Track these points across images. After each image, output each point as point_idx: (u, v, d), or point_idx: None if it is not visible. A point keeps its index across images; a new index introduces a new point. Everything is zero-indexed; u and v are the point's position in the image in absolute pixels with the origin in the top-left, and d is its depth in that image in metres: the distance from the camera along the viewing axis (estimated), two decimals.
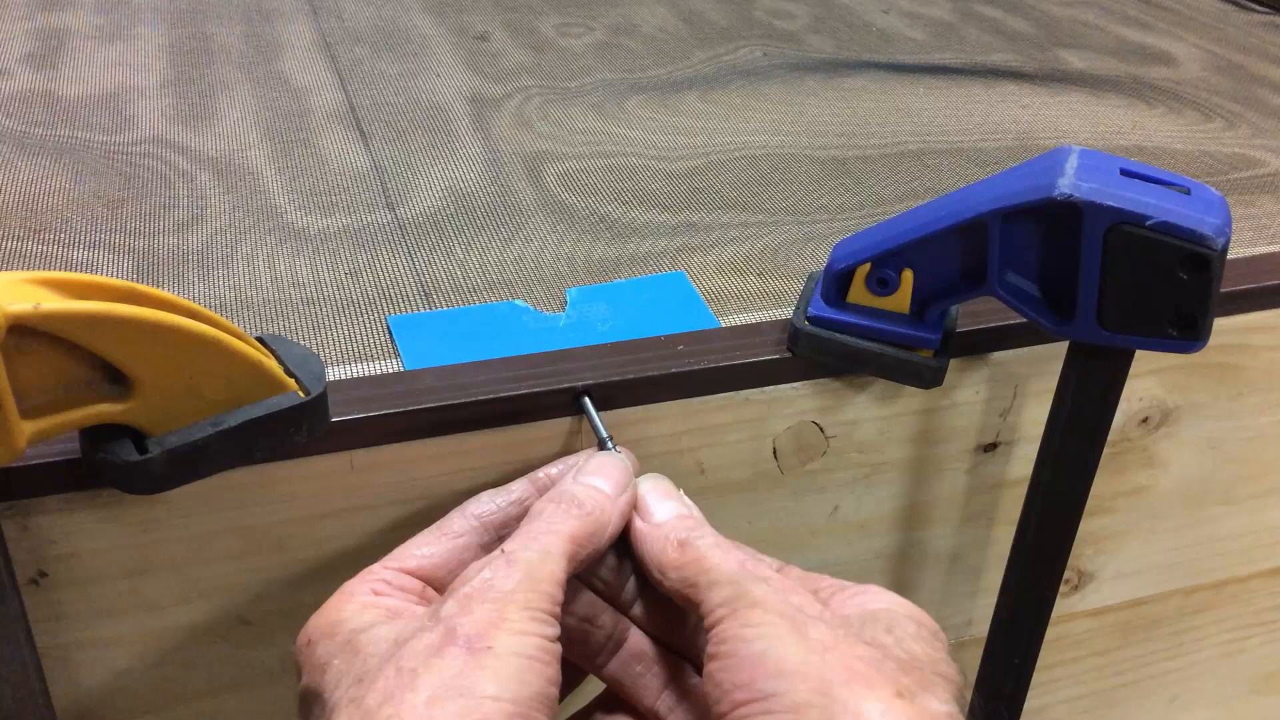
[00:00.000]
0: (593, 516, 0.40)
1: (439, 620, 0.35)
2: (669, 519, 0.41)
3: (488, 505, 0.42)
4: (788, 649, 0.34)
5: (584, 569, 0.40)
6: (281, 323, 0.57)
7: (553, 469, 0.45)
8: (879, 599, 0.39)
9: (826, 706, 0.33)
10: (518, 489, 0.43)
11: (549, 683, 0.34)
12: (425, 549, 0.40)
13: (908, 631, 0.37)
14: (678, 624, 0.43)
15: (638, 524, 0.42)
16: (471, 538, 0.41)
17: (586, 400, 0.47)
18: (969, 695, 0.39)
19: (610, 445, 0.45)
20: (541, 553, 0.38)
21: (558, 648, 0.36)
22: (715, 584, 0.37)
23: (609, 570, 0.43)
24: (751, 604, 0.36)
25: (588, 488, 0.41)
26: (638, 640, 0.42)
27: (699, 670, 0.41)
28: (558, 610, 0.37)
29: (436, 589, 0.40)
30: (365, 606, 0.38)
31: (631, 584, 0.43)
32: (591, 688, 0.46)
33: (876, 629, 0.37)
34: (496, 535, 0.41)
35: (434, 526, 0.42)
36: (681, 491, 0.44)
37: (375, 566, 0.40)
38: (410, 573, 0.40)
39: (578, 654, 0.42)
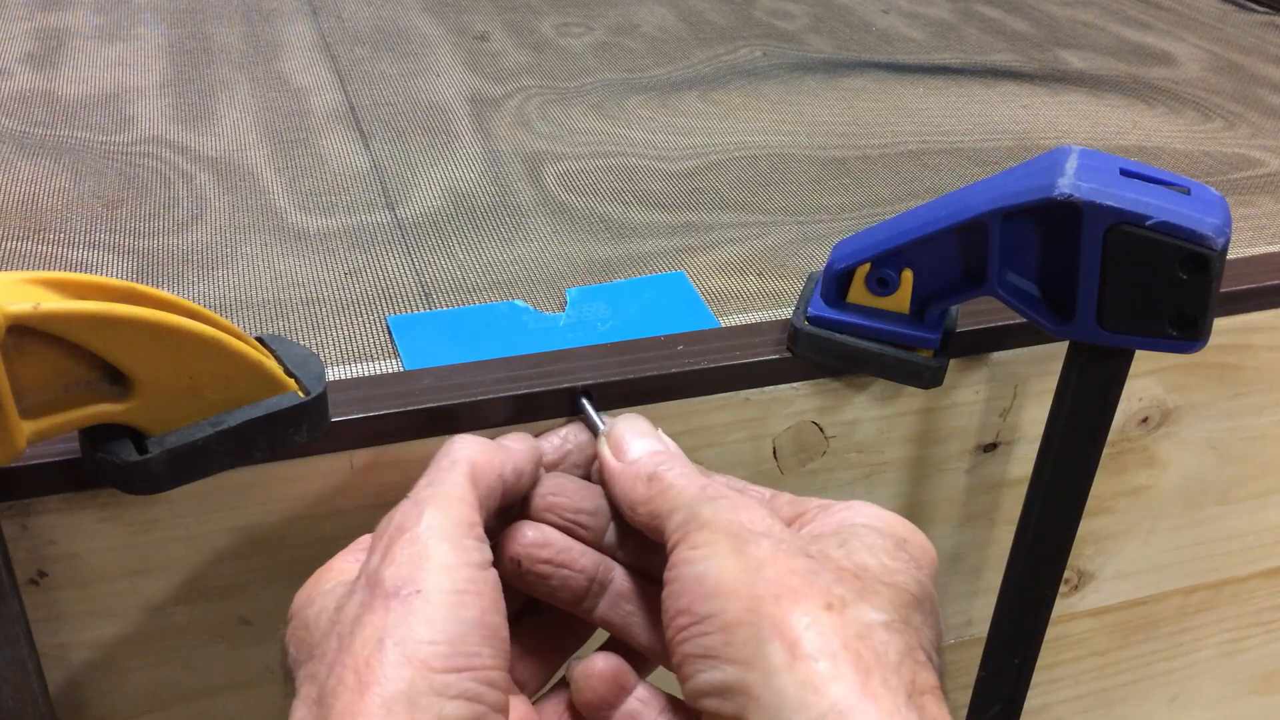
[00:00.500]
0: (486, 444, 0.40)
1: (365, 577, 0.35)
2: (641, 455, 0.41)
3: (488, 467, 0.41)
4: (724, 568, 0.34)
5: (508, 497, 0.40)
6: (281, 323, 0.57)
7: (544, 444, 0.45)
8: (859, 514, 0.38)
9: (755, 624, 0.32)
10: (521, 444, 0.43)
11: (487, 611, 0.34)
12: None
13: (865, 543, 0.36)
14: (659, 560, 0.42)
15: (611, 463, 0.41)
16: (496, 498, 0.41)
17: (585, 400, 0.47)
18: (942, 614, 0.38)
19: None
20: (443, 484, 0.37)
21: (491, 574, 0.35)
22: (674, 510, 0.37)
23: (588, 515, 0.42)
24: (699, 525, 0.35)
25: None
26: (623, 581, 0.42)
27: None
28: (480, 533, 0.36)
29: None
30: (334, 576, 0.38)
31: (613, 528, 0.42)
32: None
33: (830, 542, 0.36)
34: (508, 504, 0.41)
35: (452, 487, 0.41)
36: (660, 430, 0.43)
37: (357, 546, 0.40)
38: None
39: (565, 600, 0.42)
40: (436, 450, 0.46)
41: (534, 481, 0.42)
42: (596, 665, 0.40)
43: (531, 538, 0.41)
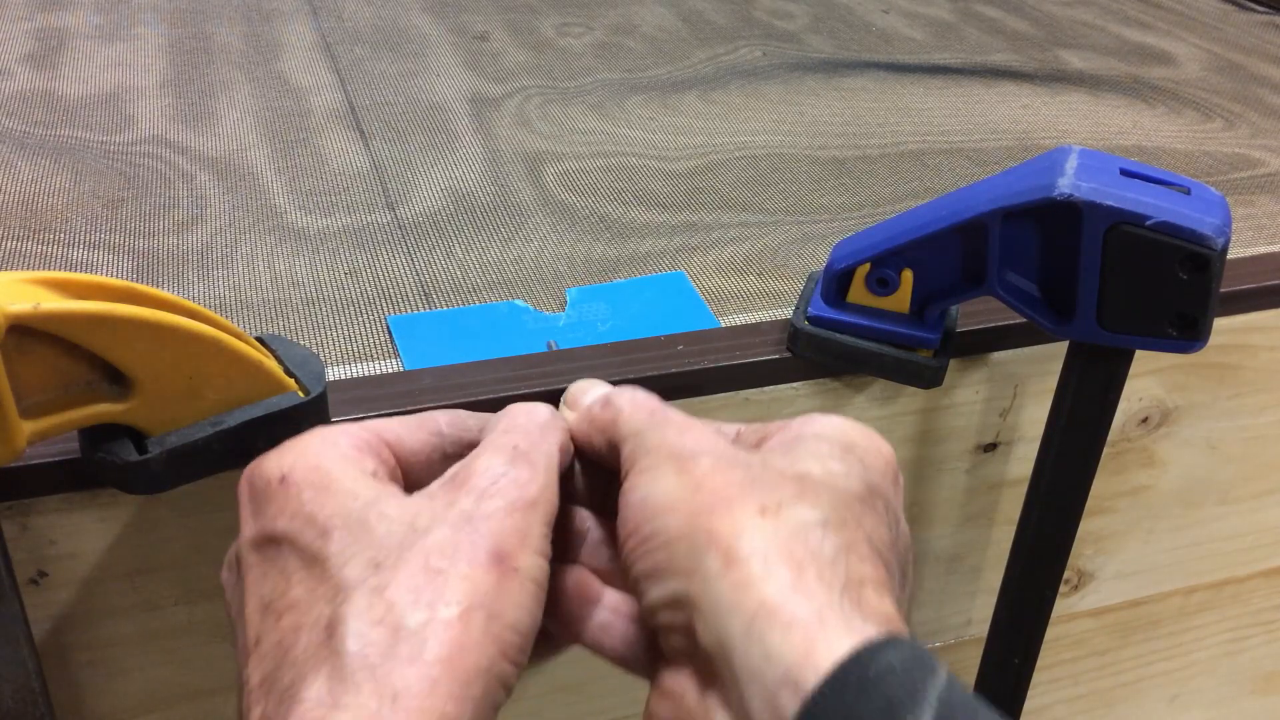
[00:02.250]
0: (564, 427, 0.39)
1: (463, 515, 0.34)
2: (592, 399, 0.41)
3: (466, 426, 0.40)
4: (665, 488, 0.34)
5: None
6: (281, 323, 0.57)
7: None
8: (812, 424, 0.37)
9: (692, 536, 0.32)
10: (475, 421, 0.41)
11: (542, 612, 0.34)
12: (399, 430, 0.39)
13: (810, 449, 0.36)
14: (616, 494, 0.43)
15: (569, 415, 0.41)
16: (439, 440, 0.39)
17: None
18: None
19: None
20: (548, 456, 0.37)
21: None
22: (625, 439, 0.37)
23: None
24: (645, 451, 0.36)
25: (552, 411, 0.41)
26: (597, 529, 0.41)
27: None
28: (554, 515, 0.36)
29: (405, 473, 0.39)
30: (350, 463, 0.36)
31: (580, 478, 0.42)
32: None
33: (775, 454, 0.36)
34: (458, 451, 0.40)
35: (416, 417, 0.40)
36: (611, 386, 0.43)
37: (349, 425, 0.38)
38: (388, 444, 0.38)
39: (556, 554, 0.42)
40: None
41: None
42: (560, 580, 0.39)
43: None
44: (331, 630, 0.31)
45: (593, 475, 0.42)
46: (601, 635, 0.38)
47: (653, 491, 0.34)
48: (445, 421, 0.40)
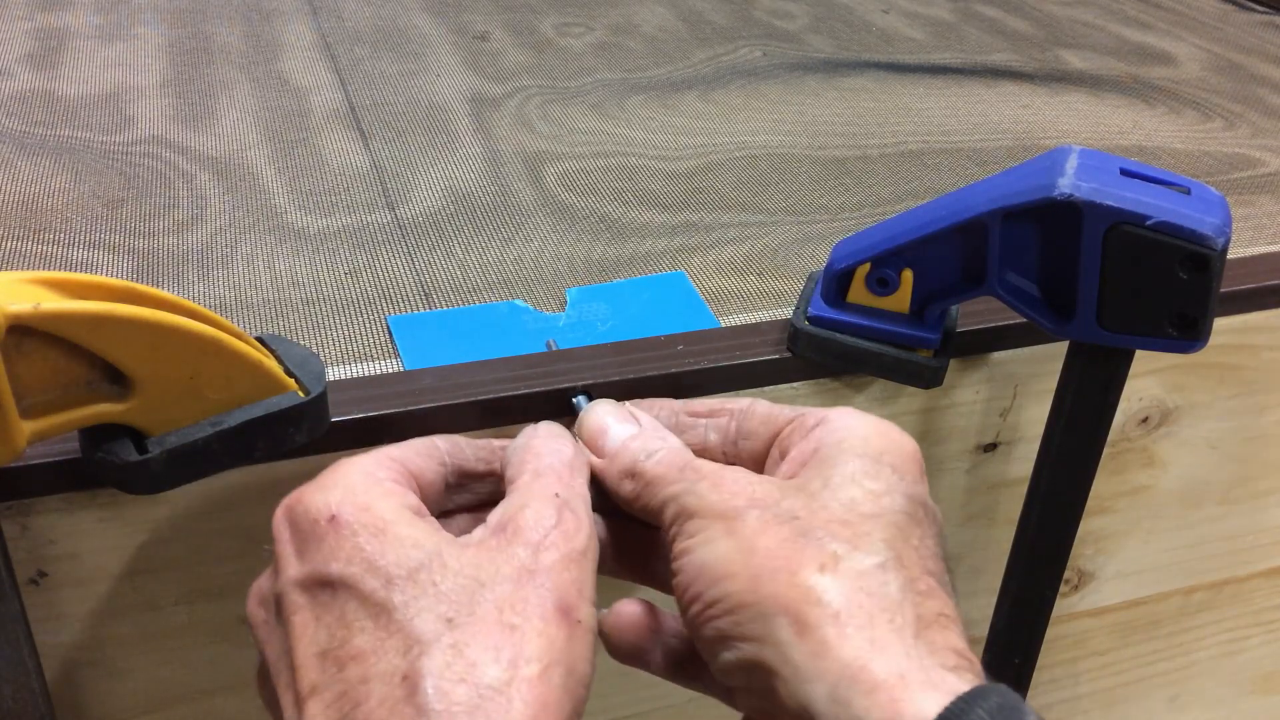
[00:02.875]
0: (582, 455, 0.40)
1: (524, 569, 0.34)
2: (617, 447, 0.41)
3: (462, 451, 0.41)
4: (720, 553, 0.34)
5: None
6: (281, 323, 0.57)
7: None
8: (834, 431, 0.38)
9: (759, 602, 0.33)
10: (487, 450, 0.42)
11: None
12: (418, 461, 0.39)
13: (846, 473, 0.36)
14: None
15: (595, 462, 0.42)
16: (444, 470, 0.40)
17: (579, 400, 0.47)
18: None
19: None
20: (584, 500, 0.38)
21: None
22: (663, 505, 0.38)
23: None
24: (688, 515, 0.36)
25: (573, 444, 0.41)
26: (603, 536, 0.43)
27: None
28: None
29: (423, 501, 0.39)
30: (396, 500, 0.36)
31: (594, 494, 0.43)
32: None
33: (814, 483, 0.36)
34: (457, 480, 0.41)
35: (415, 441, 0.40)
36: (628, 404, 0.44)
37: (380, 455, 0.38)
38: (415, 476, 0.38)
39: None
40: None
41: None
42: (625, 611, 0.40)
43: None
44: (412, 686, 0.31)
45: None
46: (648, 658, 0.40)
47: (708, 557, 0.35)
48: (445, 450, 0.40)
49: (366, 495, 0.35)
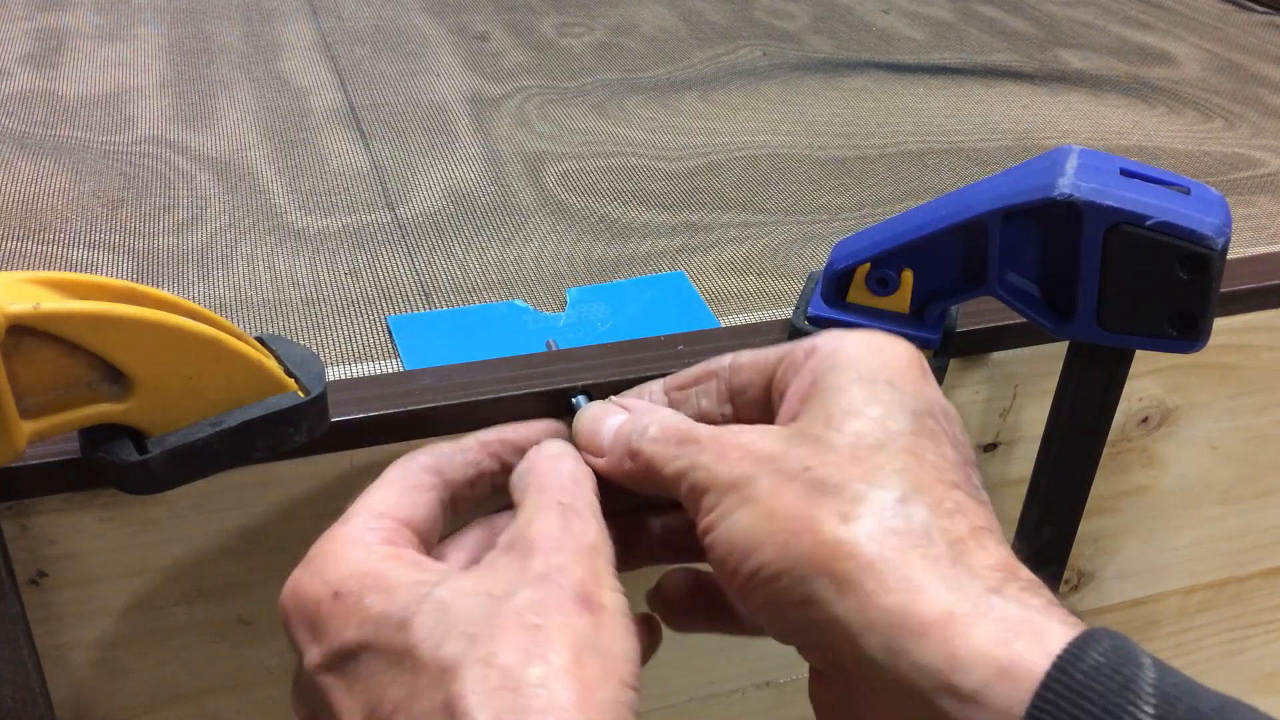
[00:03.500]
0: (588, 468, 0.40)
1: (538, 575, 0.34)
2: (612, 437, 0.41)
3: (449, 463, 0.41)
4: (740, 525, 0.34)
5: None
6: (281, 323, 0.57)
7: (507, 431, 0.44)
8: (827, 357, 0.38)
9: (791, 570, 0.33)
10: (472, 451, 0.42)
11: (636, 637, 0.35)
12: (405, 502, 0.39)
13: (848, 404, 0.36)
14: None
15: (597, 462, 0.42)
16: (435, 494, 0.40)
17: (579, 400, 0.47)
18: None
19: None
20: (590, 503, 0.38)
21: None
22: (673, 480, 0.37)
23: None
24: (702, 490, 0.36)
25: (567, 449, 0.41)
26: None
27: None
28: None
29: (421, 541, 0.39)
30: (393, 557, 0.36)
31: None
32: None
33: (816, 423, 0.36)
34: (451, 495, 0.41)
35: (398, 479, 0.40)
36: (613, 399, 0.44)
37: (364, 516, 0.38)
38: (405, 523, 0.38)
39: None
40: None
41: None
42: (670, 582, 0.41)
43: None
44: (452, 710, 0.31)
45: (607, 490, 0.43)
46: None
47: (733, 533, 0.34)
48: (432, 470, 0.40)
49: (362, 562, 0.36)
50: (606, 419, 0.42)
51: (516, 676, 0.31)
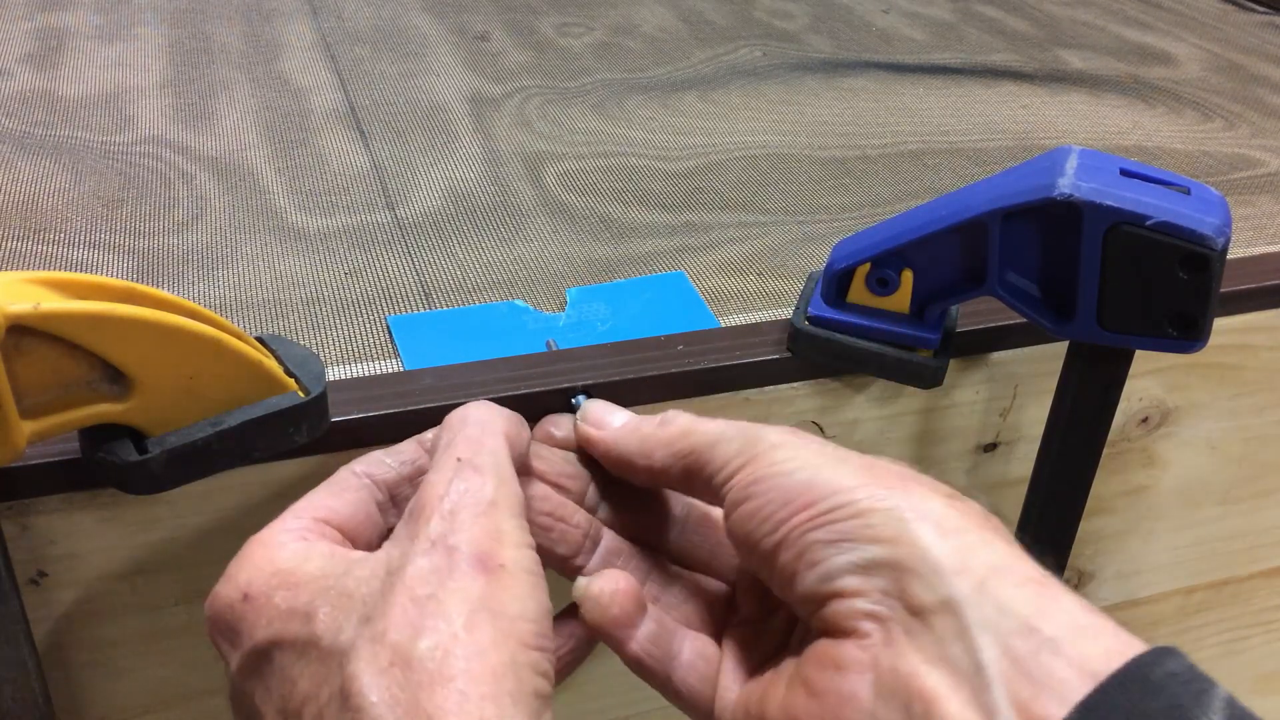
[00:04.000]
0: (507, 414, 0.40)
1: (430, 541, 0.34)
2: (629, 419, 0.43)
3: (379, 465, 0.41)
4: (834, 472, 0.35)
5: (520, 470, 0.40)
6: (281, 323, 0.57)
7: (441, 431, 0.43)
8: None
9: (891, 509, 0.34)
10: (407, 450, 0.42)
11: (547, 596, 0.34)
12: (328, 502, 0.39)
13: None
14: (646, 519, 0.43)
15: (597, 434, 0.42)
16: (366, 493, 0.40)
17: (579, 400, 0.47)
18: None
19: None
20: (494, 454, 0.37)
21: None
22: (721, 439, 0.38)
23: (569, 478, 0.43)
24: (771, 446, 0.37)
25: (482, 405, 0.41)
26: (611, 538, 0.43)
27: (674, 560, 0.43)
28: (523, 502, 0.37)
29: (353, 540, 0.38)
30: (303, 552, 0.36)
31: (593, 489, 0.43)
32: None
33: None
34: (389, 495, 0.40)
35: (326, 484, 0.40)
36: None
37: (285, 518, 0.38)
38: (325, 521, 0.38)
39: (560, 556, 0.42)
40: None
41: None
42: (620, 584, 0.40)
43: (533, 491, 0.41)
44: (346, 695, 0.31)
45: (606, 491, 0.43)
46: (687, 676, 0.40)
47: (819, 475, 0.35)
48: (362, 474, 0.40)
49: (270, 562, 0.35)
50: (619, 411, 0.43)
51: (406, 651, 0.31)
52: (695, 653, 0.40)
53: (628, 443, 0.41)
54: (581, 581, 0.40)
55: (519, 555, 0.34)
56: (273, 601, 0.34)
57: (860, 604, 0.33)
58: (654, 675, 0.40)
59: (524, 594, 0.33)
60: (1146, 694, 0.29)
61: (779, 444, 0.37)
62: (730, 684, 0.39)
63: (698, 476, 0.39)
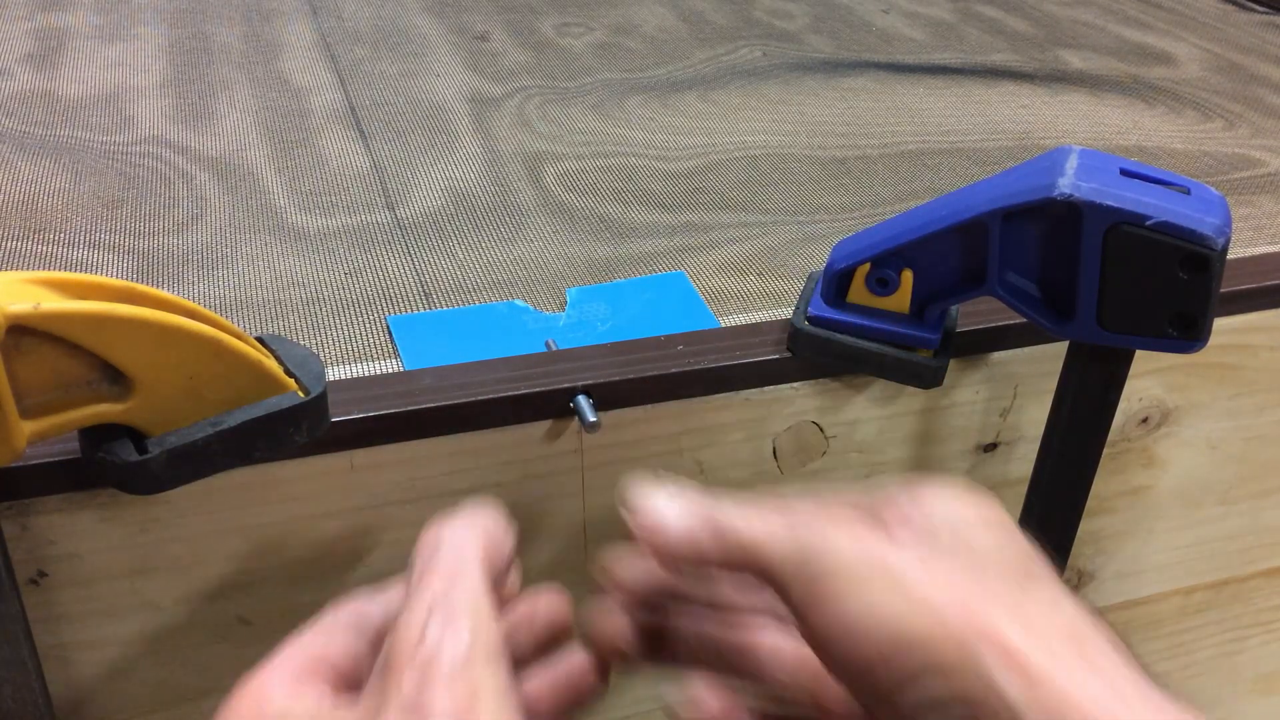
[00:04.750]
0: (487, 531, 0.37)
1: (402, 706, 0.32)
2: (679, 513, 0.37)
3: (370, 603, 0.38)
4: (890, 594, 0.32)
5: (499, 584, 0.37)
6: (281, 323, 0.57)
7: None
8: (929, 505, 0.36)
9: (957, 636, 0.31)
10: (397, 591, 0.38)
11: None
12: (318, 644, 0.37)
13: (958, 535, 0.35)
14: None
15: (648, 536, 0.37)
16: (354, 634, 0.38)
17: (579, 400, 0.47)
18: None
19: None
20: (470, 591, 0.34)
21: (518, 697, 0.34)
22: (780, 561, 0.35)
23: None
24: (826, 572, 0.33)
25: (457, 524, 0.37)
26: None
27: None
28: (502, 643, 0.34)
29: (340, 676, 0.37)
30: (291, 705, 0.34)
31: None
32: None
33: (943, 532, 0.35)
34: (377, 634, 0.37)
35: (315, 625, 0.38)
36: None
37: (275, 662, 0.36)
38: (315, 664, 0.36)
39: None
40: (436, 450, 0.46)
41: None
42: (710, 705, 0.38)
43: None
44: None
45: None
46: None
47: (880, 603, 0.32)
48: (347, 620, 0.37)
49: (261, 714, 0.34)
50: (657, 493, 0.37)
51: None
52: None
53: (675, 540, 0.37)
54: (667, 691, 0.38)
55: (497, 708, 0.32)
56: None
57: None
58: None
59: None
60: None
61: (835, 565, 0.33)
62: None
63: (763, 583, 0.35)
